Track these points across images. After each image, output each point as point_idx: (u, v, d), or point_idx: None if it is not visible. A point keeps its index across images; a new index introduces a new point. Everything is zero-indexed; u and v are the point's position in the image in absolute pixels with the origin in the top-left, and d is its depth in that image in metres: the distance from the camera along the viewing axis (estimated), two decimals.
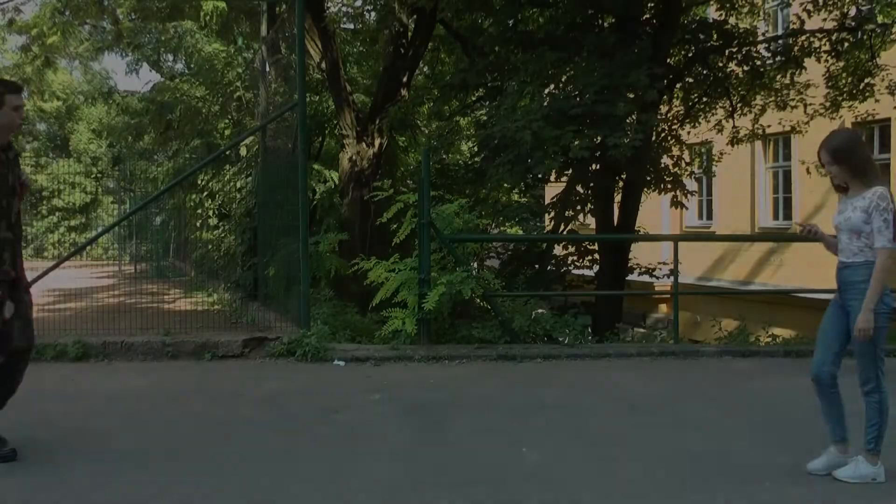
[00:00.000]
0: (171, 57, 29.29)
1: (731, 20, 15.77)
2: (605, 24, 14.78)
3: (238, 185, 16.89)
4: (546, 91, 13.60)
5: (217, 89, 21.66)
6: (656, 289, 20.40)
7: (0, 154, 5.70)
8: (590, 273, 16.59)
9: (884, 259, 5.15)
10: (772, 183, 22.73)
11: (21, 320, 5.77)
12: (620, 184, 14.74)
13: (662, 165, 14.88)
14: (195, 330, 10.39)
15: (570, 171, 13.96)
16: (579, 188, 14.41)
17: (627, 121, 12.58)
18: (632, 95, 12.92)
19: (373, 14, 17.50)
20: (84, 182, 41.48)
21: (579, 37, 14.20)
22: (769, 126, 17.07)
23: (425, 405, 7.34)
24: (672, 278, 11.77)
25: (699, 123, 16.87)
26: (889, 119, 18.10)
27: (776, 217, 22.54)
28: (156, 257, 24.03)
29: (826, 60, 15.49)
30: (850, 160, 5.26)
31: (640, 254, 17.13)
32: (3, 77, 6.31)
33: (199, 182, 19.23)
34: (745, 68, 15.49)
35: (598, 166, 13.68)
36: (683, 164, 15.88)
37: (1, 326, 5.57)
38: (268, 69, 15.96)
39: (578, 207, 14.82)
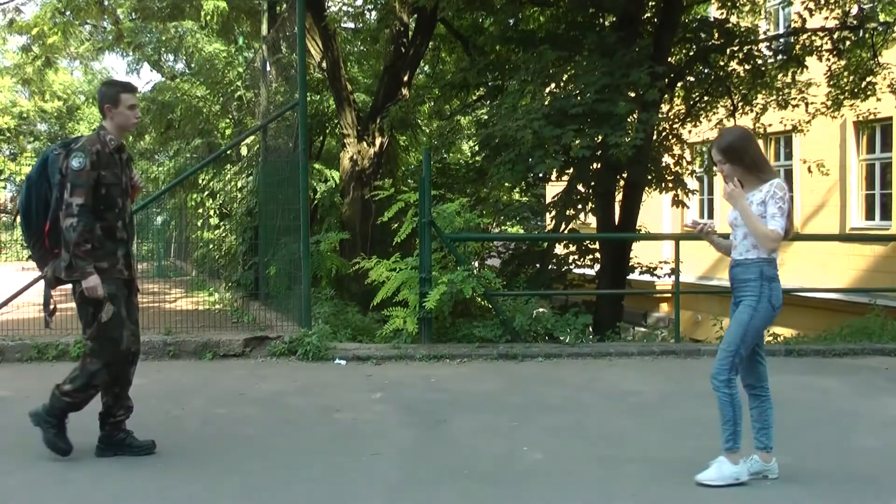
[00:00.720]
0: (171, 57, 29.32)
1: (733, 19, 15.74)
2: (606, 23, 14.77)
3: (239, 184, 16.88)
4: (547, 90, 13.59)
5: (218, 89, 21.66)
6: (657, 288, 20.41)
7: (115, 155, 5.72)
8: (591, 272, 16.59)
9: (768, 234, 5.15)
10: None
11: (134, 324, 5.83)
12: (621, 183, 14.73)
13: (663, 164, 14.87)
14: (196, 329, 10.39)
15: (571, 171, 13.94)
16: (580, 187, 14.40)
17: (628, 120, 12.56)
18: (633, 94, 12.91)
19: (373, 13, 17.51)
20: None
21: (580, 36, 14.20)
22: (770, 125, 17.06)
23: (426, 404, 7.34)
24: (673, 277, 11.78)
25: (700, 122, 16.86)
26: (891, 118, 18.09)
27: None
28: (157, 257, 24.05)
29: (827, 59, 15.48)
30: (742, 157, 5.24)
31: (642, 253, 17.12)
32: (109, 80, 6.32)
33: (200, 181, 19.21)
34: (747, 67, 15.48)
35: (598, 165, 13.67)
36: (685, 163, 15.88)
37: (99, 328, 5.58)
38: (268, 68, 15.93)
39: (579, 206, 14.82)
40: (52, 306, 6.01)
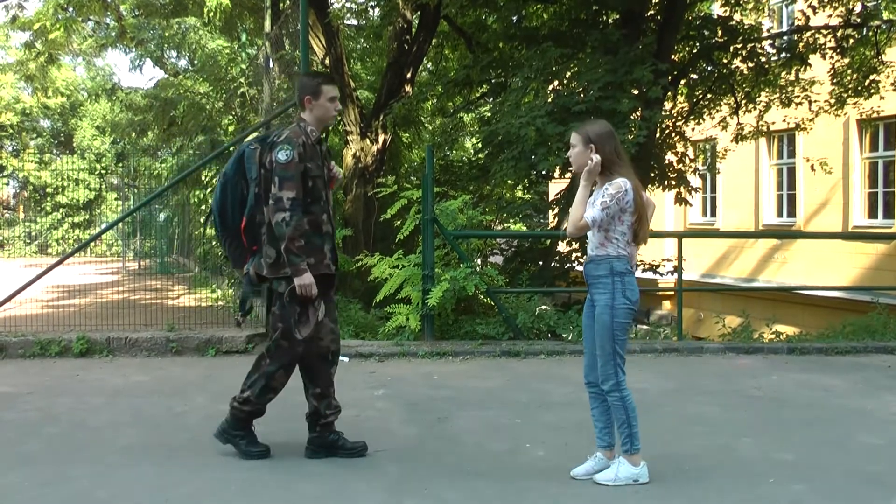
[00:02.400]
0: (174, 53, 29.33)
1: (736, 16, 15.73)
2: (609, 21, 14.76)
3: None
4: (550, 87, 13.58)
5: (221, 85, 21.65)
6: (660, 285, 20.40)
7: (316, 146, 5.61)
8: None
9: (575, 219, 5.22)
10: (776, 180, 22.70)
11: (333, 322, 5.77)
12: None
13: (667, 162, 14.87)
14: (199, 326, 10.39)
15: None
16: None
17: (632, 117, 12.56)
18: (636, 92, 12.91)
19: (376, 10, 17.49)
20: (88, 178, 41.47)
21: (583, 33, 14.19)
22: (773, 123, 17.06)
23: (429, 401, 7.34)
24: (676, 275, 11.77)
25: (703, 120, 16.85)
26: (894, 116, 18.06)
27: (780, 214, 22.52)
28: (160, 253, 24.08)
29: (831, 57, 15.47)
30: (602, 150, 5.22)
31: (644, 250, 17.08)
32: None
33: (203, 178, 19.21)
34: (750, 65, 15.46)
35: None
36: (688, 161, 15.87)
37: (287, 329, 5.50)
38: (271, 65, 15.91)
39: None
40: (248, 305, 5.93)
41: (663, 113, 14.25)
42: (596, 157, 5.17)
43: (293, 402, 7.15)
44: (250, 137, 5.79)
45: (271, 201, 5.35)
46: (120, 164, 41.47)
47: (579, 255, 16.03)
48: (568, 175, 14.52)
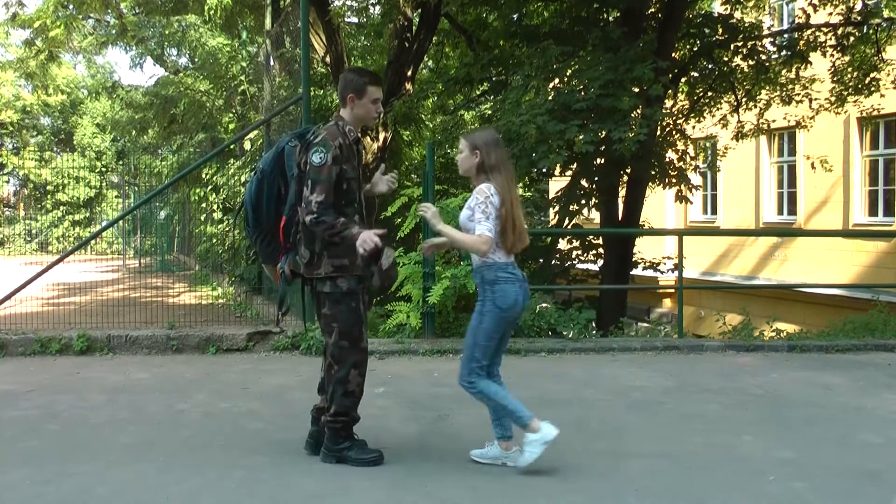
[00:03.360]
0: (175, 51, 29.36)
1: (737, 14, 15.74)
2: (610, 18, 14.76)
3: (242, 178, 16.89)
4: (551, 85, 13.57)
5: (221, 83, 21.69)
6: (660, 283, 20.42)
7: (353, 146, 5.54)
8: (594, 267, 16.60)
9: (475, 240, 5.22)
10: (776, 178, 22.72)
11: (364, 322, 5.63)
12: (625, 178, 14.73)
13: (667, 160, 14.86)
14: (200, 323, 10.40)
15: (575, 166, 13.95)
16: (584, 182, 14.39)
17: (632, 115, 12.56)
18: (636, 90, 12.91)
19: (377, 8, 17.51)
20: (88, 176, 41.54)
21: (584, 31, 14.20)
22: (774, 121, 17.06)
23: (429, 399, 7.34)
24: (676, 273, 11.78)
25: (704, 118, 16.86)
26: (894, 114, 18.07)
27: (780, 212, 22.53)
28: (160, 251, 24.09)
29: (831, 55, 15.47)
30: (487, 157, 5.33)
31: (645, 248, 17.14)
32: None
33: (204, 176, 19.24)
34: (751, 63, 15.47)
35: (602, 161, 13.67)
36: (688, 159, 15.88)
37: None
38: (272, 63, 15.94)
39: (583, 202, 14.81)
40: (286, 304, 5.89)
41: (664, 111, 14.25)
42: (431, 210, 5.37)
43: (291, 399, 7.16)
44: (288, 133, 5.70)
45: (303, 203, 5.30)
46: (120, 162, 41.53)
47: (580, 252, 16.07)
48: (569, 173, 14.53)
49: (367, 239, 5.13)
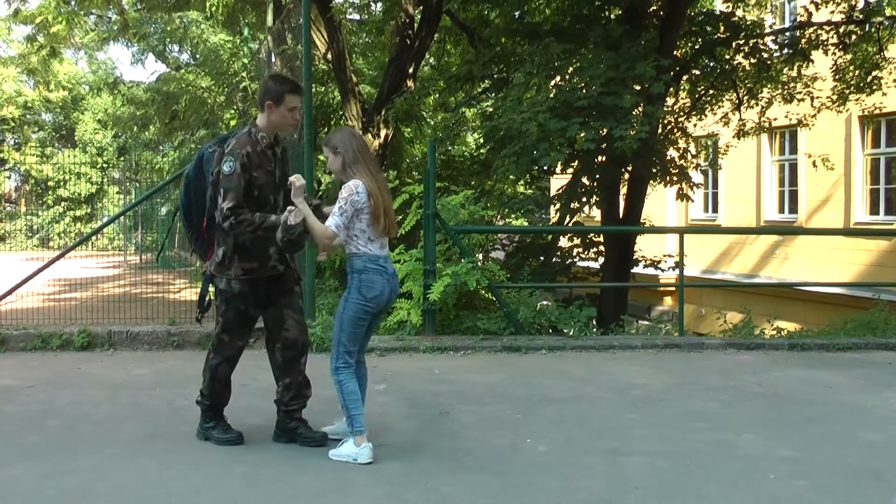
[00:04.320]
0: (176, 47, 29.37)
1: (739, 12, 15.72)
2: (612, 16, 14.75)
3: None
4: (552, 83, 13.55)
5: (222, 80, 21.68)
6: (661, 281, 20.42)
7: (267, 151, 5.72)
8: (595, 265, 16.59)
9: (321, 231, 5.41)
10: (778, 176, 22.71)
11: (297, 313, 5.93)
12: (626, 176, 14.71)
13: (668, 158, 14.84)
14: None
15: (576, 163, 13.93)
16: (585, 180, 14.37)
17: (633, 113, 12.55)
18: (638, 87, 12.89)
19: (379, 5, 17.53)
20: (89, 172, 41.54)
21: (586, 28, 14.17)
22: (775, 119, 17.04)
23: (430, 396, 7.34)
24: (677, 271, 11.77)
25: (705, 116, 16.84)
26: None
27: (782, 210, 22.52)
28: (161, 247, 24.08)
29: (833, 53, 15.45)
30: (343, 153, 5.53)
31: (646, 246, 17.13)
32: (285, 76, 6.33)
33: None
34: (752, 61, 15.45)
35: (603, 158, 13.65)
36: (689, 157, 15.86)
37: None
38: (273, 60, 15.96)
39: (584, 199, 14.79)
40: (206, 303, 6.01)
41: (665, 109, 14.22)
42: (299, 181, 5.52)
43: None
44: (213, 139, 5.89)
45: (217, 210, 5.56)
46: (121, 158, 41.57)
47: (581, 250, 16.05)
48: (570, 171, 14.51)
49: (293, 212, 5.44)
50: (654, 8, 14.72)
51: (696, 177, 17.65)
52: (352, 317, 5.52)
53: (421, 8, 16.53)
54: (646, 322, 21.28)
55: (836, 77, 15.83)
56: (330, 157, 5.58)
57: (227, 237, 5.63)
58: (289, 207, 5.52)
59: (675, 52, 14.61)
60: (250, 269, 5.67)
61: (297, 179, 5.51)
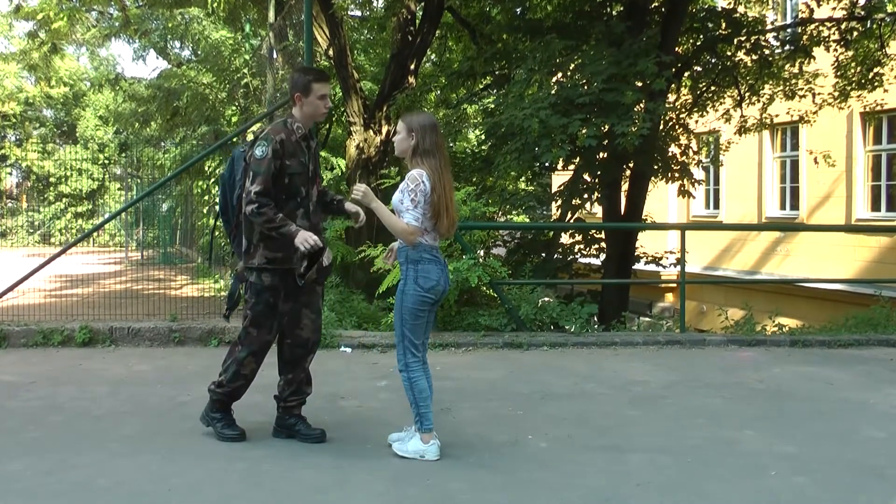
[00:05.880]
0: (178, 44, 29.30)
1: (740, 9, 15.71)
2: (614, 13, 14.74)
3: None
4: (554, 79, 13.55)
5: (224, 76, 21.68)
6: (663, 278, 20.41)
7: (302, 143, 5.74)
8: (596, 262, 16.60)
9: (403, 227, 5.36)
10: (779, 172, 22.69)
11: (314, 313, 5.96)
12: (627, 172, 14.71)
13: (670, 154, 14.83)
14: (202, 316, 10.41)
15: (578, 160, 13.93)
16: (586, 177, 14.37)
17: (635, 109, 12.54)
18: (640, 84, 12.89)
19: (380, 1, 17.48)
20: (91, 168, 41.56)
21: (587, 25, 14.17)
22: (777, 115, 17.02)
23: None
24: (678, 267, 11.77)
25: (707, 112, 16.82)
26: None
27: (783, 207, 22.51)
28: (162, 244, 24.11)
29: (835, 50, 15.42)
30: (422, 140, 5.42)
31: (647, 243, 17.12)
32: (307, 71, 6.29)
33: (206, 169, 19.25)
34: (754, 57, 15.43)
35: (605, 155, 13.65)
36: (691, 153, 15.85)
37: (317, 272, 5.69)
38: (275, 56, 15.97)
39: (585, 196, 14.79)
40: (234, 300, 6.08)
41: (667, 105, 14.21)
42: (363, 189, 5.46)
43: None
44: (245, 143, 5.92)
45: (244, 194, 5.57)
46: (123, 155, 41.55)
47: (582, 247, 16.06)
48: (571, 167, 14.52)
49: (307, 238, 5.44)
50: (656, 4, 14.71)
51: (698, 173, 17.66)
52: (411, 308, 5.44)
53: (422, 4, 16.50)
54: (647, 319, 21.29)
55: (838, 73, 15.80)
56: (401, 135, 5.49)
57: (252, 225, 5.65)
58: (327, 251, 5.72)
59: (676, 49, 14.60)
60: (273, 258, 5.64)
61: (359, 189, 5.48)
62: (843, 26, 15.08)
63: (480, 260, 10.66)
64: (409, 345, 5.50)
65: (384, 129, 16.50)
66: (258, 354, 5.84)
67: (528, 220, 19.54)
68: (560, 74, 13.63)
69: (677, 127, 15.59)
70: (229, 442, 5.78)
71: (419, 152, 5.40)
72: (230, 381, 5.84)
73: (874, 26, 15.05)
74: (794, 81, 16.05)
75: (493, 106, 16.38)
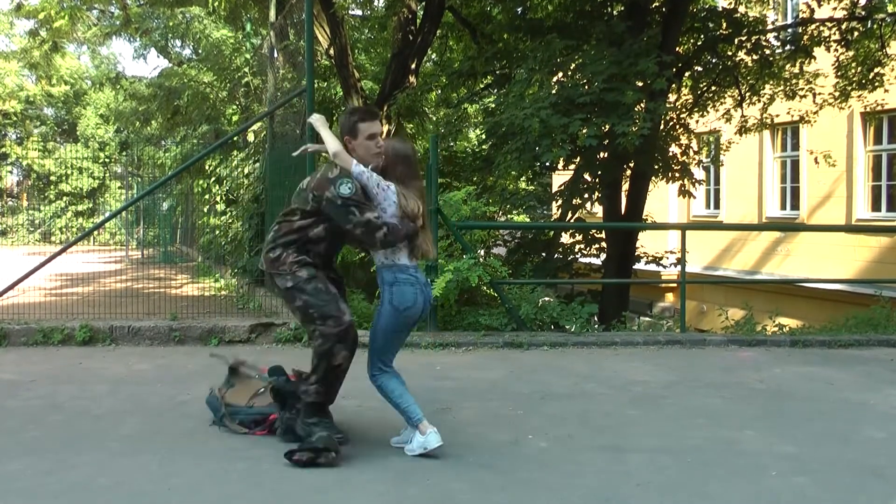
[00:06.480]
0: (179, 42, 29.37)
1: (741, 9, 15.73)
2: (614, 12, 14.74)
3: (245, 170, 16.91)
4: (554, 79, 13.56)
5: (225, 75, 21.68)
6: (663, 277, 20.42)
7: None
8: (597, 261, 16.60)
9: (347, 159, 5.41)
10: (779, 172, 22.70)
11: (338, 297, 5.72)
12: (628, 172, 14.72)
13: (670, 154, 14.85)
14: (202, 315, 10.41)
15: (578, 160, 13.94)
16: (587, 176, 14.38)
17: (636, 109, 12.55)
18: (640, 84, 12.90)
19: (381, 0, 17.47)
20: (91, 167, 41.57)
21: (588, 24, 14.19)
22: (777, 115, 17.03)
23: (432, 392, 7.34)
24: (679, 267, 11.77)
25: (707, 112, 16.83)
26: None
27: (783, 207, 22.52)
28: (163, 242, 24.13)
29: (835, 50, 15.44)
30: (388, 163, 5.53)
31: (648, 242, 17.12)
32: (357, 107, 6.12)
33: (207, 167, 19.25)
34: (754, 57, 15.45)
35: (605, 155, 13.66)
36: (691, 153, 15.87)
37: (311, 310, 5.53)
38: (276, 55, 15.94)
39: (586, 196, 14.80)
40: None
41: (667, 105, 14.22)
42: (318, 118, 5.72)
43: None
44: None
45: (358, 229, 5.39)
46: (124, 153, 41.57)
47: (583, 246, 16.06)
48: (572, 167, 14.52)
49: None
50: (657, 4, 14.73)
51: (698, 173, 17.65)
52: (385, 329, 5.51)
53: (423, 4, 16.51)
54: (647, 318, 21.31)
55: (838, 74, 15.81)
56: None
57: (281, 236, 5.59)
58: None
59: (677, 49, 14.62)
60: (299, 260, 5.55)
61: (316, 118, 5.62)
62: (843, 26, 15.10)
63: (481, 259, 10.66)
64: (378, 359, 5.60)
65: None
66: (344, 341, 5.56)
67: (528, 220, 19.52)
68: (561, 74, 13.64)
69: (678, 127, 15.60)
70: (328, 452, 5.34)
71: (389, 177, 5.46)
72: (323, 381, 5.58)
73: (875, 26, 15.06)
74: (794, 81, 16.07)
75: (493, 105, 16.39)
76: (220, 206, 19.51)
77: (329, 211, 5.44)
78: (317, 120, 5.68)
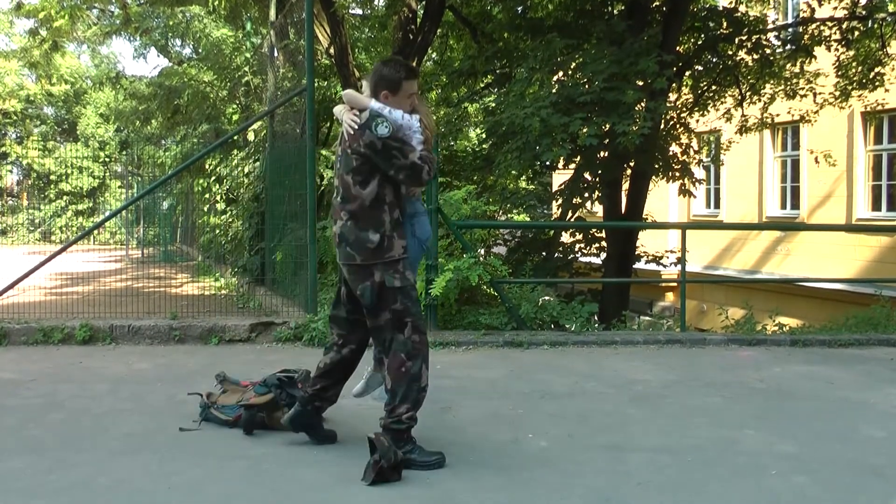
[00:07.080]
0: (179, 41, 29.33)
1: (741, 8, 15.72)
2: (615, 12, 14.74)
3: (246, 169, 16.90)
4: (555, 78, 13.56)
5: (225, 74, 21.65)
6: (663, 277, 20.43)
7: None
8: (597, 261, 16.60)
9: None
10: (780, 172, 22.71)
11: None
12: (628, 172, 14.72)
13: (671, 153, 14.85)
14: (202, 314, 10.41)
15: (578, 159, 13.93)
16: (587, 176, 14.38)
17: (636, 108, 12.55)
18: (641, 83, 12.89)
19: (381, 0, 17.46)
20: (92, 166, 41.57)
21: (589, 24, 14.18)
22: (778, 115, 17.03)
23: (432, 391, 7.26)
24: (679, 266, 11.77)
25: (708, 112, 16.83)
26: None
27: (784, 206, 22.52)
28: (163, 241, 24.11)
29: (836, 49, 15.44)
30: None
31: (648, 242, 17.12)
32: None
33: (207, 167, 19.24)
34: (755, 56, 15.45)
35: (606, 154, 13.66)
36: (692, 153, 15.87)
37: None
38: (276, 54, 15.92)
39: (586, 195, 14.80)
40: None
41: (668, 104, 14.22)
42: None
43: None
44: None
45: (397, 170, 5.16)
46: (124, 153, 41.56)
47: (583, 246, 16.06)
48: (572, 166, 14.52)
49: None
50: (657, 3, 14.72)
51: (699, 173, 17.65)
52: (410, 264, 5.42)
53: (423, 3, 16.50)
54: (647, 318, 21.30)
55: (839, 73, 15.81)
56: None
57: (381, 215, 5.17)
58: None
59: (677, 48, 14.62)
60: (404, 245, 5.23)
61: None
62: (844, 26, 15.09)
63: (481, 258, 10.66)
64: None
65: None
66: (427, 358, 5.34)
67: (528, 219, 19.52)
68: (561, 73, 13.65)
69: (678, 126, 15.61)
70: (435, 469, 5.21)
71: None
72: (415, 404, 5.26)
73: (875, 26, 15.05)
74: (795, 81, 16.07)
75: (493, 105, 16.40)
76: (221, 205, 19.51)
77: (372, 158, 5.11)
78: (342, 106, 5.32)
